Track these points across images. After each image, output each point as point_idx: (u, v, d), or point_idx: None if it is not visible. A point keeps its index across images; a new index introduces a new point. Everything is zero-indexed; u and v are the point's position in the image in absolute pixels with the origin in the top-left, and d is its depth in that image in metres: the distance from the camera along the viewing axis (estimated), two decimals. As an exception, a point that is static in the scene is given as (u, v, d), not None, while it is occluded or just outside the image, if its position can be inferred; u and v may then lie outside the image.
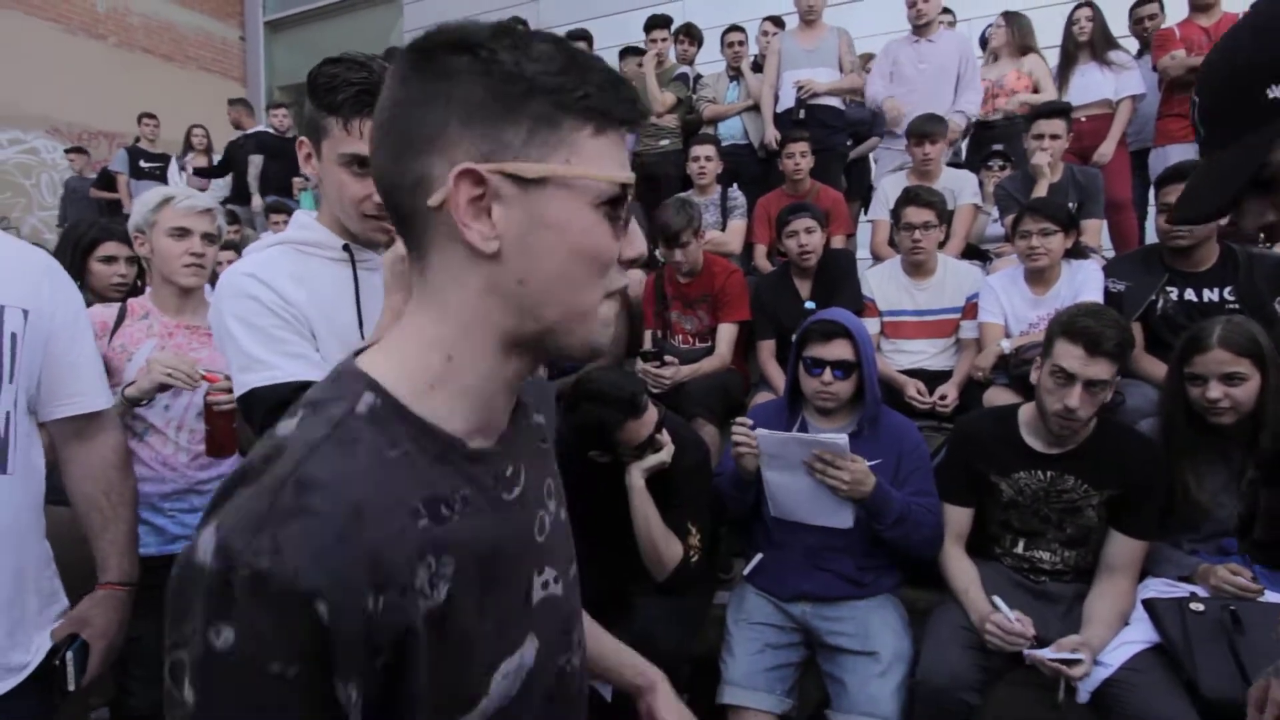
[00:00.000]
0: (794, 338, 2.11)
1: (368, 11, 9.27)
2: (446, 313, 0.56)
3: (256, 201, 5.98)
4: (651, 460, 1.93)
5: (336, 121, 1.10)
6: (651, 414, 1.92)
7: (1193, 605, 1.65)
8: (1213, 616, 1.62)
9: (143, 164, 6.55)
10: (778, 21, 4.88)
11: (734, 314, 3.07)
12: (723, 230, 3.93)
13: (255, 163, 6.05)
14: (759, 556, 2.10)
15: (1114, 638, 1.71)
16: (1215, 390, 1.76)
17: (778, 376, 2.92)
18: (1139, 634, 1.71)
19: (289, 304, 1.12)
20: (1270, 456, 0.93)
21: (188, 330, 1.88)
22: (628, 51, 5.39)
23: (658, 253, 3.53)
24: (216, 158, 6.65)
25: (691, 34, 4.96)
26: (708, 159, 3.90)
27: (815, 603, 1.97)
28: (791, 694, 1.94)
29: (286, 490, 0.47)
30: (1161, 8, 4.28)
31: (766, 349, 3.05)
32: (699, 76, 4.92)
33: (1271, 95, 0.68)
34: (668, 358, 2.92)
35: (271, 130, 6.28)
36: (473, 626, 0.55)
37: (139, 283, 2.30)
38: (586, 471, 1.94)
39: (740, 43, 4.72)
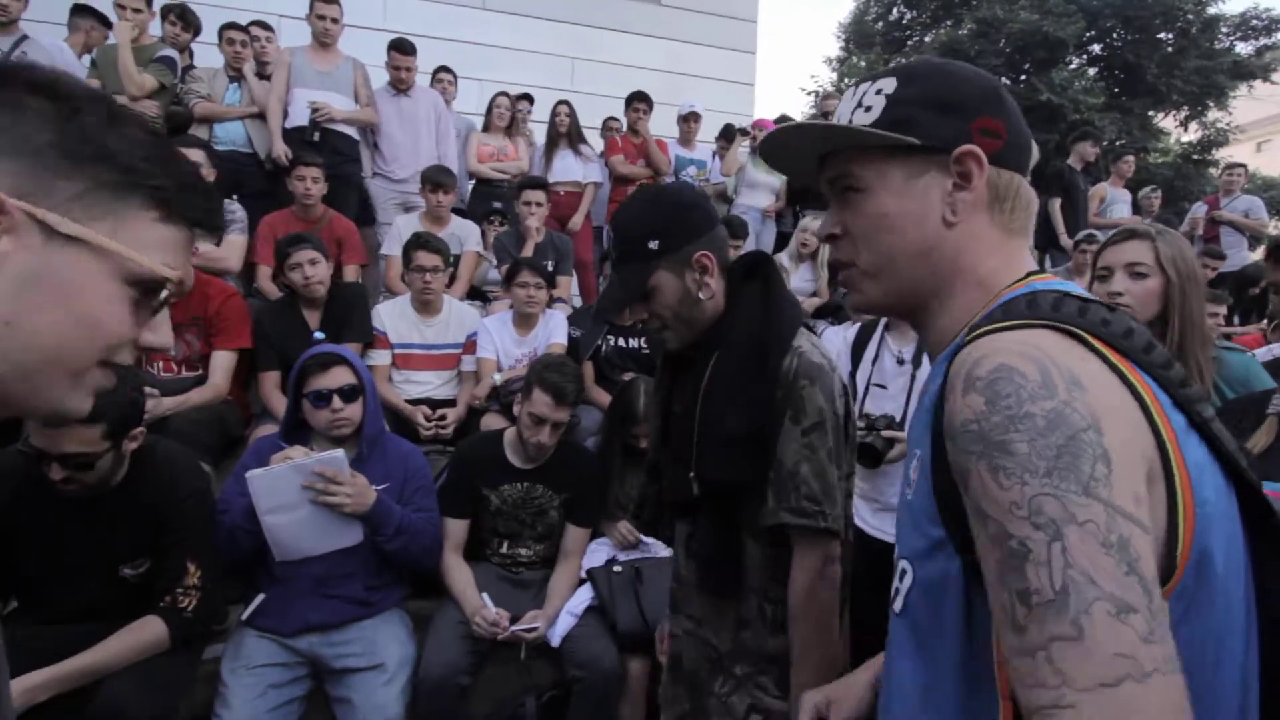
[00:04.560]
0: (291, 376, 2.12)
1: None
2: None
3: None
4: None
5: None
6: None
7: (615, 568, 2.28)
8: (627, 575, 2.27)
9: None
10: (265, 26, 4.64)
11: (231, 340, 2.83)
12: (217, 245, 3.56)
13: None
14: (260, 597, 2.02)
15: (568, 604, 2.23)
16: (643, 442, 2.48)
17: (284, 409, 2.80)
18: (586, 595, 2.27)
19: None
20: (651, 463, 1.48)
21: None
22: (84, 10, 4.40)
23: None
24: None
25: (186, 18, 4.35)
26: (195, 165, 3.47)
27: (323, 631, 2.00)
28: (296, 728, 1.93)
29: None
30: (623, 124, 5.60)
31: (270, 380, 2.90)
32: (190, 67, 4.34)
33: (650, 245, 1.21)
34: (147, 388, 2.51)
35: None
36: None
37: None
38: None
39: (243, 43, 4.36)
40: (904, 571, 0.68)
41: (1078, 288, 0.67)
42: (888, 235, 0.71)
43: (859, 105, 0.72)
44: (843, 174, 0.74)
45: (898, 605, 0.69)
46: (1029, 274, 0.70)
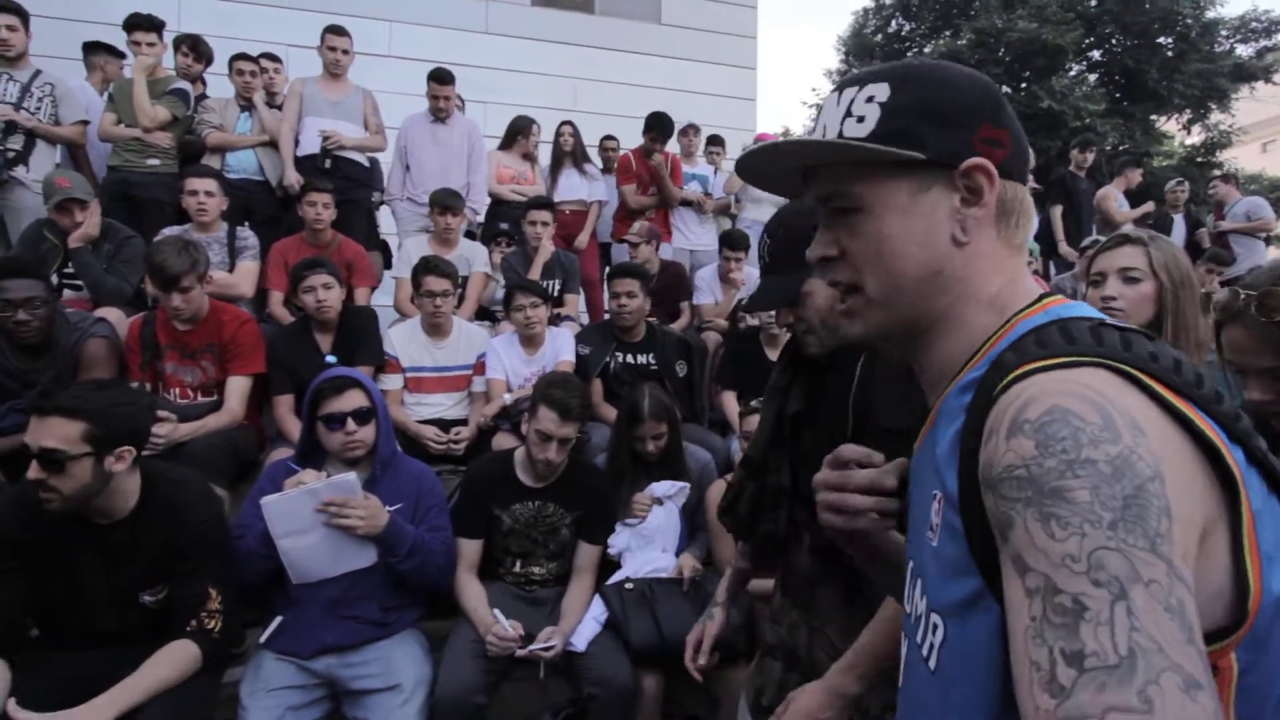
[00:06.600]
0: (305, 400, 2.16)
1: None
2: None
3: None
4: None
5: None
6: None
7: (627, 585, 2.29)
8: (639, 591, 2.28)
9: None
10: (273, 58, 4.74)
11: (246, 366, 2.87)
12: (230, 271, 3.62)
13: None
14: (278, 620, 2.05)
15: (582, 621, 2.24)
16: (650, 445, 2.54)
17: (299, 432, 2.84)
18: (600, 611, 2.28)
19: None
20: (755, 459, 1.45)
21: None
22: (96, 47, 4.53)
23: (148, 292, 3.09)
24: None
25: (198, 49, 4.45)
26: (208, 194, 3.49)
27: (340, 653, 2.02)
28: (314, 750, 1.95)
29: None
30: (619, 142, 5.68)
31: (285, 404, 2.94)
32: (203, 97, 4.44)
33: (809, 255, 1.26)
34: (162, 413, 2.56)
35: None
36: None
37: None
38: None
39: (252, 73, 4.45)
40: (935, 626, 0.62)
41: (1097, 312, 0.63)
42: (893, 258, 0.65)
43: (848, 114, 0.65)
44: (837, 192, 0.67)
45: (932, 663, 0.62)
46: (1041, 296, 0.65)
